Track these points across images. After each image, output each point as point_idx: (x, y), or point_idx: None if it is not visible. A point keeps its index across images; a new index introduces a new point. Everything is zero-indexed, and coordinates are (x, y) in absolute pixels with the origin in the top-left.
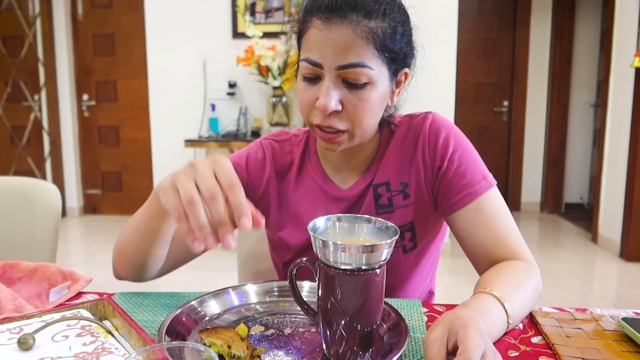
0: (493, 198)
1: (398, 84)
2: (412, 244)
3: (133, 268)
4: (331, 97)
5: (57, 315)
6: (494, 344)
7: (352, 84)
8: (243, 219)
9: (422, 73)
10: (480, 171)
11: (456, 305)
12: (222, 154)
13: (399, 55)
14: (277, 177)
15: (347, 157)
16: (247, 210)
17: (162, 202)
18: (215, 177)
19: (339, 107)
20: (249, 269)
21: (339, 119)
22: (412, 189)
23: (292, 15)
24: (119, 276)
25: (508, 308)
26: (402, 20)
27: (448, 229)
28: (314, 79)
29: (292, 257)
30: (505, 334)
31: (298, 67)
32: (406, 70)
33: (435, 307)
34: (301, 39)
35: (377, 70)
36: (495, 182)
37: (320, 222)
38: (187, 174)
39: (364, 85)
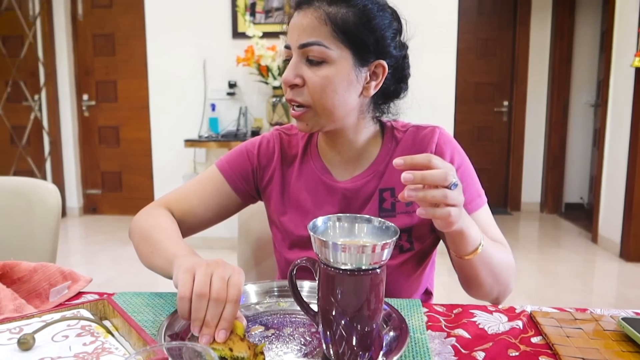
0: (484, 214)
1: (375, 76)
2: (409, 244)
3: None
4: (290, 71)
5: (57, 315)
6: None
7: (311, 61)
8: (220, 332)
9: (417, 75)
10: (476, 189)
11: (456, 305)
12: (221, 152)
13: (366, 42)
14: (282, 166)
15: (339, 149)
16: (229, 327)
17: (176, 280)
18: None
19: (297, 81)
20: (249, 269)
21: (300, 93)
22: None
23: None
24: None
25: (483, 238)
26: (376, 10)
27: None
28: (290, 61)
29: (293, 241)
30: (474, 251)
31: None
32: (382, 62)
33: (435, 307)
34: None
35: (336, 52)
36: (486, 199)
37: (320, 222)
38: (208, 268)
39: (322, 62)
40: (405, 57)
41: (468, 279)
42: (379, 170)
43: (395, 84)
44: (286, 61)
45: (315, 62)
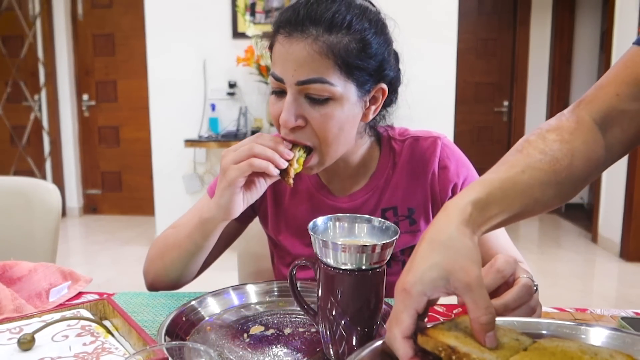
0: (501, 229)
1: (374, 100)
2: None
3: (173, 279)
4: (290, 112)
5: (57, 315)
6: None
7: (314, 100)
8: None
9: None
10: None
11: (456, 305)
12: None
13: (368, 70)
14: (273, 183)
15: (336, 169)
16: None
17: (233, 174)
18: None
19: (300, 123)
20: (249, 269)
21: (303, 133)
22: (420, 215)
23: None
24: (152, 288)
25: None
26: (375, 32)
27: None
28: (280, 93)
29: (290, 260)
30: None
31: None
32: (382, 85)
33: (435, 307)
34: (271, 53)
35: (340, 87)
36: None
37: (320, 222)
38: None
39: (326, 100)
40: (398, 70)
41: None
42: (379, 186)
43: (389, 96)
44: (277, 93)
45: (318, 100)
